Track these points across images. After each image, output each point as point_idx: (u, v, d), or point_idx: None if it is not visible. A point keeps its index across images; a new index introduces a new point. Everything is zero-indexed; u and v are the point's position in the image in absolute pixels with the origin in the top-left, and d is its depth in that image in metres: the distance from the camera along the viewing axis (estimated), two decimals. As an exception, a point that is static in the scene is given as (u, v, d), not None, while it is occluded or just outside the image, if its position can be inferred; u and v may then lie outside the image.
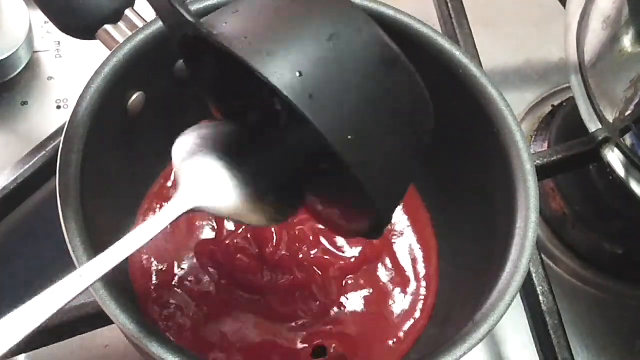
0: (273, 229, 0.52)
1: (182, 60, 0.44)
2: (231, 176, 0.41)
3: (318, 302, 0.51)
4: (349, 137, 0.34)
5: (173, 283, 0.51)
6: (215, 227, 0.53)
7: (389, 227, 0.55)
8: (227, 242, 0.52)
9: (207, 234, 0.53)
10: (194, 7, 0.48)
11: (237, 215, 0.41)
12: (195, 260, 0.52)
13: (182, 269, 0.51)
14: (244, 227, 0.53)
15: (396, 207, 0.39)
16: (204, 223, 0.54)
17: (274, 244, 0.52)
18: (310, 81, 0.33)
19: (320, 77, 0.34)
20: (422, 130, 0.38)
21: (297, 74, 0.33)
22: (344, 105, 0.34)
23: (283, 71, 0.33)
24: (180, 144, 0.42)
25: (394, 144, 0.36)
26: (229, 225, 0.53)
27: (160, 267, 0.51)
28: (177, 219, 0.38)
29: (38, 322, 0.34)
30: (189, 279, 0.51)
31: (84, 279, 0.35)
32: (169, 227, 0.38)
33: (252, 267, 0.51)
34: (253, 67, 0.33)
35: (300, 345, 0.50)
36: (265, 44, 0.34)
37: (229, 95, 0.43)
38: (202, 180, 0.40)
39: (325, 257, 0.52)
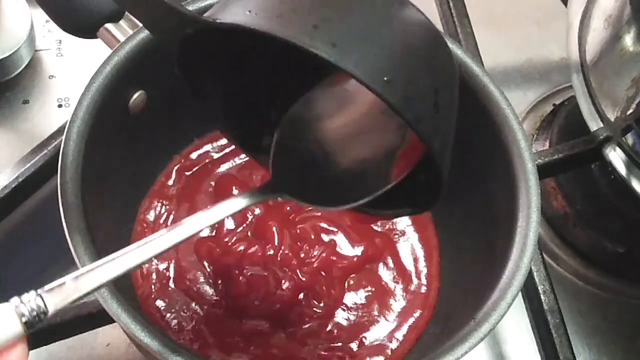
0: (274, 228, 0.52)
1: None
2: None
3: (322, 304, 0.51)
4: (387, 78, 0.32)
5: (173, 282, 0.51)
6: (216, 224, 0.53)
7: (391, 226, 0.55)
8: (226, 240, 0.52)
9: (206, 231, 0.53)
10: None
11: None
12: (195, 259, 0.52)
13: (182, 267, 0.51)
14: (243, 225, 0.53)
15: (450, 147, 0.37)
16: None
17: (276, 244, 0.52)
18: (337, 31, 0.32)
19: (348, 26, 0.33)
20: (450, 73, 0.36)
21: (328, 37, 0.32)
22: (376, 51, 0.33)
23: (325, 38, 0.32)
24: None
25: (431, 81, 0.35)
26: (229, 224, 0.53)
27: (160, 266, 0.51)
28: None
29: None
30: (188, 277, 0.51)
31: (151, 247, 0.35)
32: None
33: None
34: (292, 41, 0.31)
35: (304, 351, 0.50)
36: (309, 15, 0.32)
37: (240, 101, 0.42)
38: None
39: (327, 256, 0.52)
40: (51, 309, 0.32)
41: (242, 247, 0.52)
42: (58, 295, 0.32)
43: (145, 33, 0.47)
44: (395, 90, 0.33)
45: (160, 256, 0.51)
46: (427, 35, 0.35)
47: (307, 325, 0.50)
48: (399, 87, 0.33)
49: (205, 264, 0.52)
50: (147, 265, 0.51)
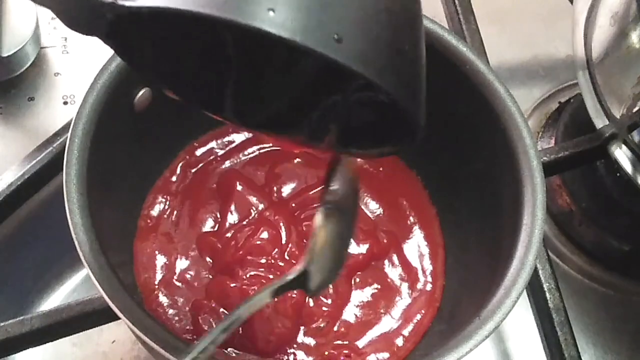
0: (281, 223, 0.52)
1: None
2: None
3: (330, 302, 0.51)
4: (378, 64, 0.31)
5: (175, 277, 0.51)
6: (219, 219, 0.53)
7: (396, 225, 0.55)
8: (228, 235, 0.52)
9: (210, 226, 0.53)
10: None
11: None
12: (196, 254, 0.52)
13: (184, 262, 0.52)
14: (247, 220, 0.53)
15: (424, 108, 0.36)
16: (207, 216, 0.54)
17: (283, 242, 0.52)
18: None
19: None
20: (419, 35, 0.35)
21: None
22: (365, 33, 0.31)
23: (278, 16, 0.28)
24: None
25: (410, 55, 0.33)
26: (231, 219, 0.53)
27: (163, 261, 0.51)
28: None
29: None
30: (191, 273, 0.51)
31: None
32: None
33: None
34: (257, 28, 0.28)
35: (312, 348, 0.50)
36: None
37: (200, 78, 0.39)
38: None
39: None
40: None
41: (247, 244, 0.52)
42: None
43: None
44: (390, 75, 0.32)
45: (163, 250, 0.51)
46: None
47: (314, 325, 0.50)
48: (391, 71, 0.32)
49: (208, 259, 0.52)
50: (150, 260, 0.51)
